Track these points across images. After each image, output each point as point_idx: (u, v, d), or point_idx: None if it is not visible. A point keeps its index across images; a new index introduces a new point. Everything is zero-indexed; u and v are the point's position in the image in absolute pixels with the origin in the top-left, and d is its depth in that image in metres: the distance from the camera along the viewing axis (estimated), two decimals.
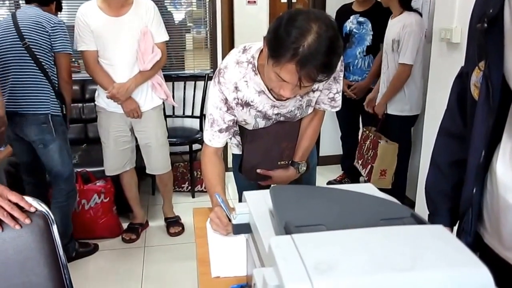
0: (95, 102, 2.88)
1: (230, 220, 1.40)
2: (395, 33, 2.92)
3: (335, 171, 4.00)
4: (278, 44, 1.26)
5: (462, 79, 1.16)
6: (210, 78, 3.81)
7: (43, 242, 1.25)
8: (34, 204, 1.27)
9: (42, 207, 1.27)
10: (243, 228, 0.98)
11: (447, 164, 1.21)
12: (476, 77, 1.04)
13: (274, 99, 1.56)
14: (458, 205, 1.16)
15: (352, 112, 3.58)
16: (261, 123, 1.65)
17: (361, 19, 3.33)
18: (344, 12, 3.39)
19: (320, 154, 4.22)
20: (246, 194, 1.01)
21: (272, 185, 1.82)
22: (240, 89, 1.56)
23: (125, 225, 3.18)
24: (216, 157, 1.65)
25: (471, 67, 1.07)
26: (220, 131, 1.62)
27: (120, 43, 2.62)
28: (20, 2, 3.58)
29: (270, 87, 1.44)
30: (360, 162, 3.32)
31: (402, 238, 0.77)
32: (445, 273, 0.67)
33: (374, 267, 0.68)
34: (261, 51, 1.51)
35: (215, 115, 1.60)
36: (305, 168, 1.78)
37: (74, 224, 2.82)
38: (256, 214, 0.92)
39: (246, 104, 1.59)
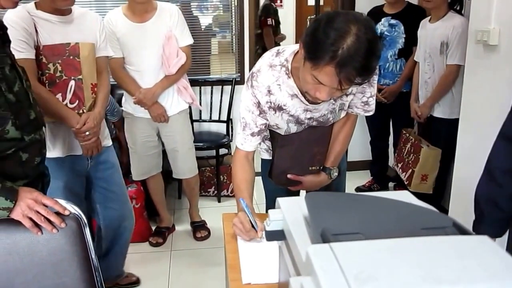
0: (122, 108, 2.92)
1: (253, 226, 1.40)
2: (443, 35, 2.85)
3: (363, 176, 3.94)
4: (316, 46, 1.25)
5: None
6: (237, 83, 3.86)
7: (76, 245, 1.27)
8: (67, 207, 1.29)
9: (75, 210, 1.29)
10: (277, 235, 0.97)
11: (503, 172, 1.16)
12: None
13: (307, 103, 1.55)
14: (508, 217, 1.10)
15: (382, 116, 3.50)
16: (293, 128, 1.64)
17: (393, 21, 3.28)
18: (375, 14, 3.34)
19: (348, 159, 4.17)
20: (280, 200, 1.00)
21: (307, 192, 1.80)
22: (273, 93, 1.55)
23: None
24: (247, 161, 1.64)
25: None
26: (252, 134, 1.61)
27: (145, 48, 2.64)
28: None
29: (305, 90, 1.42)
30: (399, 165, 3.24)
31: (445, 249, 0.74)
32: (493, 286, 0.64)
33: (418, 278, 0.66)
34: (295, 54, 1.50)
35: (247, 119, 1.59)
36: (337, 174, 1.76)
37: None
38: (290, 221, 0.91)
39: (279, 108, 1.57)
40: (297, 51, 1.47)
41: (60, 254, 1.26)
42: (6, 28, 1.44)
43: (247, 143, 1.62)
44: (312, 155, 1.70)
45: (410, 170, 3.08)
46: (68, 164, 2.03)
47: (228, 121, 3.82)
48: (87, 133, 1.92)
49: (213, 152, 3.62)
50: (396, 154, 3.35)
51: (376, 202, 0.95)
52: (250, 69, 3.82)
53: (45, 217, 1.26)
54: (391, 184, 3.78)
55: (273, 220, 0.96)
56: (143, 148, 2.89)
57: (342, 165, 1.85)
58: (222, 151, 3.70)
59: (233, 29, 3.93)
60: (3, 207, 1.26)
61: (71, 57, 1.88)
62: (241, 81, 3.88)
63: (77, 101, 1.92)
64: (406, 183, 3.12)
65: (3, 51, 1.35)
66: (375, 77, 1.61)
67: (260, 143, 1.71)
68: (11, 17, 1.81)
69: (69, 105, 1.91)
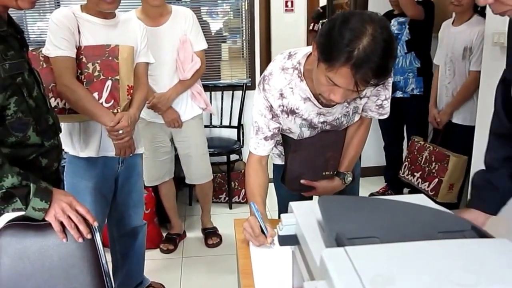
0: None
1: (263, 231, 1.38)
2: (467, 40, 2.79)
3: (377, 183, 3.90)
4: (331, 47, 1.22)
5: (505, 85, 1.15)
6: (248, 88, 3.86)
7: (87, 250, 1.26)
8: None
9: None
10: (290, 240, 0.94)
11: (499, 160, 1.24)
12: None
13: (321, 106, 1.53)
14: (502, 196, 1.22)
15: (396, 121, 3.46)
16: (306, 133, 1.62)
17: (402, 19, 3.26)
18: (387, 17, 3.32)
19: (362, 165, 4.12)
20: (293, 204, 0.98)
21: (319, 196, 1.77)
22: (285, 96, 1.52)
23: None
24: (260, 166, 1.62)
25: None
26: (265, 138, 1.59)
27: (160, 53, 2.64)
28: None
29: (319, 92, 1.39)
30: (417, 175, 3.13)
31: (463, 252, 0.72)
32: None
33: (435, 282, 0.64)
34: (308, 56, 1.48)
35: (260, 123, 1.58)
36: (351, 179, 1.73)
37: None
38: (304, 226, 0.89)
39: (291, 112, 1.55)
40: (310, 53, 1.45)
41: (71, 260, 1.26)
42: (22, 32, 1.45)
43: (260, 148, 1.61)
44: (325, 160, 1.67)
45: (437, 180, 2.96)
46: (100, 165, 2.05)
47: (239, 127, 3.81)
48: (121, 131, 1.93)
49: (224, 158, 3.61)
50: (407, 163, 3.24)
51: (391, 205, 0.92)
52: (261, 74, 3.84)
53: (74, 224, 1.26)
54: (405, 190, 3.73)
55: (285, 225, 0.94)
56: (156, 154, 2.89)
57: (356, 170, 1.83)
58: (233, 157, 3.68)
59: (244, 34, 3.94)
60: (39, 208, 1.26)
61: (110, 58, 1.92)
62: (252, 86, 3.88)
63: (112, 101, 1.95)
64: (431, 193, 2.99)
65: (21, 55, 1.36)
66: (390, 80, 1.59)
67: (272, 148, 1.69)
68: (56, 16, 1.90)
69: (104, 104, 1.93)
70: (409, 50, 3.27)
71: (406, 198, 0.97)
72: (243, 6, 3.88)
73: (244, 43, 3.97)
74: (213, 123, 3.84)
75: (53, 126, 1.48)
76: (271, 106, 1.55)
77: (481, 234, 0.82)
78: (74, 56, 1.90)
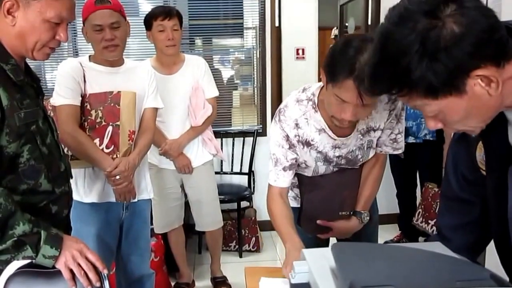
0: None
1: None
2: None
3: (391, 230, 3.81)
4: (335, 64, 1.33)
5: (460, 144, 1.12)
6: (259, 134, 3.87)
7: None
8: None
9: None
10: None
11: (451, 228, 1.16)
12: (479, 154, 1.02)
13: (336, 137, 1.56)
14: None
15: (408, 168, 3.42)
16: (322, 168, 1.63)
17: None
18: None
19: None
20: (305, 251, 0.96)
21: (337, 240, 1.73)
22: (301, 127, 1.56)
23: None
24: (281, 199, 1.61)
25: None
26: (284, 169, 1.59)
27: (172, 99, 2.68)
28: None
29: (331, 114, 1.44)
30: (432, 222, 3.04)
31: None
32: None
33: None
34: (321, 88, 1.53)
35: (277, 154, 1.59)
36: (368, 218, 1.70)
37: None
38: (317, 273, 0.86)
39: (307, 143, 1.58)
40: (323, 86, 1.49)
41: None
42: (39, 80, 1.48)
43: (280, 179, 1.60)
44: (342, 200, 1.66)
45: None
46: (103, 210, 2.05)
47: (250, 173, 3.80)
48: (118, 176, 1.95)
49: (234, 205, 3.57)
50: (422, 211, 3.17)
51: (407, 252, 0.90)
52: (272, 121, 3.87)
53: (84, 272, 1.25)
54: (421, 239, 3.63)
55: (298, 273, 0.92)
56: (166, 200, 2.88)
57: (374, 214, 1.80)
58: (244, 204, 3.64)
59: (255, 81, 4.00)
60: (49, 255, 1.24)
61: (112, 104, 1.97)
62: (263, 133, 3.89)
63: (113, 146, 1.98)
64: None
65: (37, 103, 1.38)
66: (403, 113, 1.61)
67: (291, 180, 1.67)
68: (63, 67, 2.02)
69: (105, 149, 1.97)
70: None
71: (423, 245, 0.94)
72: (255, 54, 3.96)
73: (256, 90, 4.02)
74: (223, 169, 3.84)
75: (65, 173, 1.48)
76: (287, 136, 1.57)
77: (500, 282, 0.79)
78: (78, 104, 1.97)
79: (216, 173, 3.65)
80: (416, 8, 0.82)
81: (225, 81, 4.04)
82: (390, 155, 1.96)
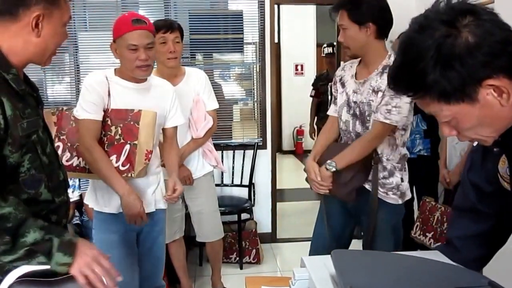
0: None
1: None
2: None
3: None
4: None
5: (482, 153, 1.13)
6: (259, 147, 3.90)
7: None
8: None
9: None
10: None
11: (461, 238, 1.17)
12: (502, 167, 1.03)
13: (355, 80, 2.09)
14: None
15: None
16: (345, 115, 2.12)
17: None
18: None
19: None
20: (305, 259, 0.97)
21: (333, 250, 1.76)
22: (345, 69, 2.20)
23: None
24: (332, 126, 2.24)
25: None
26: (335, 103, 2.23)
27: None
28: (81, 75, 3.84)
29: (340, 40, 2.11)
30: (429, 235, 3.08)
31: None
32: None
33: None
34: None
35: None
36: (332, 168, 2.00)
37: None
38: (317, 280, 0.87)
39: (342, 84, 2.16)
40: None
41: None
42: (38, 90, 1.49)
43: (332, 110, 2.23)
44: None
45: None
46: (122, 219, 2.05)
47: (250, 186, 3.81)
48: (176, 193, 2.11)
49: (235, 217, 3.58)
50: (420, 224, 3.21)
51: (406, 260, 0.91)
52: (272, 134, 3.89)
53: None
54: (419, 252, 3.63)
55: (298, 279, 0.93)
56: (168, 211, 2.87)
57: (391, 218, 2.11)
58: (244, 216, 3.65)
59: (255, 96, 4.03)
60: (62, 262, 1.23)
61: (132, 123, 1.98)
62: (263, 146, 3.92)
63: (128, 165, 1.99)
64: None
65: (37, 113, 1.39)
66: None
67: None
68: (88, 81, 2.02)
69: (120, 167, 1.99)
70: (415, 112, 3.30)
71: (422, 254, 0.95)
72: (255, 69, 4.00)
73: (256, 105, 4.05)
74: (224, 181, 3.85)
75: (63, 182, 1.48)
76: (336, 77, 2.22)
77: None
78: (100, 119, 1.99)
79: (217, 185, 3.67)
80: (435, 17, 0.86)
81: (225, 96, 4.07)
82: None
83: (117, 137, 1.99)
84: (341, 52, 4.66)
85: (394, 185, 2.08)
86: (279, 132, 4.29)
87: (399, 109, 1.92)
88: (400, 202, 2.10)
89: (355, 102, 2.05)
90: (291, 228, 4.31)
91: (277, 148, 5.03)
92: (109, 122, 2.00)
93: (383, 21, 2.01)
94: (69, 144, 2.06)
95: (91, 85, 2.00)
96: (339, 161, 1.99)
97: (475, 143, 1.13)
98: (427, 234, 3.10)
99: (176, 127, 2.24)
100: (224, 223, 3.19)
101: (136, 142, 1.99)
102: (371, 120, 2.00)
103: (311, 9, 6.98)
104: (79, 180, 3.14)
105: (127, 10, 3.85)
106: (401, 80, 0.91)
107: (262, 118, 3.97)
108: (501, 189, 1.04)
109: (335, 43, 4.84)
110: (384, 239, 2.09)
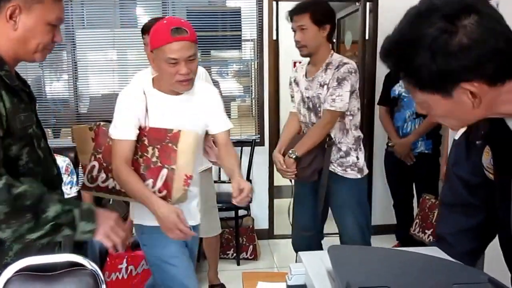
0: None
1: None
2: None
3: (389, 241, 3.81)
4: None
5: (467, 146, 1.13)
6: (256, 144, 3.88)
7: None
8: (84, 262, 1.27)
9: (91, 266, 1.27)
10: None
11: (451, 235, 1.17)
12: (486, 159, 1.04)
13: (306, 78, 2.47)
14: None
15: (404, 179, 3.47)
16: (303, 111, 2.49)
17: None
18: (393, 75, 3.39)
19: (372, 223, 4.06)
20: (302, 254, 0.96)
21: (330, 245, 1.78)
22: (297, 71, 2.57)
23: None
24: (294, 118, 2.63)
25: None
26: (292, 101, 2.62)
27: None
28: (79, 73, 3.83)
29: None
30: (428, 232, 3.09)
31: None
32: None
33: None
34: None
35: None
36: (292, 155, 2.35)
37: None
38: (313, 275, 0.87)
39: (296, 84, 2.52)
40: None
41: None
42: (29, 87, 1.49)
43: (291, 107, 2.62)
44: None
45: None
46: None
47: (248, 182, 3.79)
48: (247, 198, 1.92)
49: (232, 213, 3.57)
50: (420, 221, 3.21)
51: (404, 256, 0.90)
52: (270, 131, 3.90)
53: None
54: None
55: (295, 274, 0.92)
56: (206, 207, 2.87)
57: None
58: (241, 212, 3.64)
59: (253, 93, 4.02)
60: (87, 230, 1.30)
61: (170, 145, 1.77)
62: (260, 142, 3.91)
63: (165, 191, 1.78)
64: None
65: (30, 108, 1.39)
66: (346, 82, 2.31)
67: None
68: (124, 96, 1.81)
69: (157, 193, 1.78)
70: (418, 116, 3.31)
71: (420, 250, 0.95)
72: (253, 66, 3.99)
73: (253, 102, 4.04)
74: (221, 178, 3.84)
75: (57, 177, 1.49)
76: (291, 78, 2.60)
77: (499, 286, 0.79)
78: (134, 138, 1.78)
79: (215, 181, 3.65)
80: (440, 6, 0.85)
81: (223, 93, 4.06)
82: (386, 166, 3.55)
83: (154, 159, 1.78)
84: (340, 48, 4.67)
85: (351, 163, 2.45)
86: (277, 129, 4.31)
87: (341, 97, 2.30)
88: (359, 176, 2.46)
89: (308, 98, 2.42)
90: (288, 225, 4.28)
91: (275, 145, 5.02)
92: (146, 142, 1.79)
93: (334, 23, 2.40)
94: (104, 164, 1.89)
95: (127, 102, 1.80)
96: (299, 148, 2.36)
97: (457, 137, 1.16)
98: (426, 231, 3.11)
99: (228, 131, 2.01)
100: (221, 219, 3.19)
101: (174, 167, 1.76)
102: (321, 110, 2.39)
103: None
104: (77, 176, 3.13)
105: (125, 7, 3.84)
106: (391, 55, 0.92)
107: (260, 115, 3.96)
108: (487, 180, 1.04)
109: (334, 40, 4.83)
110: (352, 213, 2.48)
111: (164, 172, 1.77)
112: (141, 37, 2.75)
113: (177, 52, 1.68)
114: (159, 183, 1.77)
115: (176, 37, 1.67)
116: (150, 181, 1.78)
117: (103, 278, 1.28)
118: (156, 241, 1.86)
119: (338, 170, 2.43)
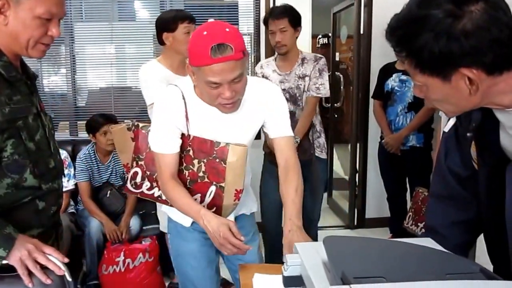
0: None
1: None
2: None
3: (383, 234, 3.85)
4: None
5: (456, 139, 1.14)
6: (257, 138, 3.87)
7: None
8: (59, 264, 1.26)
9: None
10: (295, 281, 0.93)
11: (446, 226, 1.19)
12: (474, 152, 1.06)
13: (280, 72, 2.80)
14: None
15: (397, 172, 3.51)
16: None
17: (404, 77, 3.32)
18: (387, 70, 3.41)
19: (366, 216, 4.09)
20: (298, 245, 0.97)
21: (325, 236, 1.77)
22: (263, 67, 2.92)
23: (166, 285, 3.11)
24: None
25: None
26: None
27: None
28: (77, 66, 3.83)
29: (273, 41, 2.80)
30: (421, 225, 3.12)
31: None
32: None
33: None
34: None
35: None
36: (296, 142, 2.45)
37: (118, 284, 2.79)
38: (309, 266, 0.88)
39: (266, 79, 2.67)
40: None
41: None
42: (35, 78, 1.49)
43: None
44: None
45: None
46: (198, 230, 1.72)
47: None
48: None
49: None
50: (412, 213, 3.24)
51: (398, 247, 0.92)
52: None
53: (41, 266, 1.23)
54: None
55: (290, 265, 0.93)
56: None
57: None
58: None
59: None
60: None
61: (217, 160, 1.61)
62: (257, 136, 3.89)
63: (214, 208, 1.66)
64: None
65: (29, 100, 1.39)
66: (324, 73, 2.75)
67: None
68: (161, 102, 1.61)
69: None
70: (409, 110, 3.33)
71: (414, 241, 0.96)
72: (250, 60, 3.97)
73: None
74: None
75: (54, 170, 1.46)
76: (257, 74, 2.89)
77: (490, 277, 0.81)
78: (177, 151, 1.61)
79: None
80: None
81: None
82: (380, 159, 3.65)
83: (201, 174, 1.65)
84: (336, 43, 4.67)
85: (322, 143, 2.90)
86: None
87: (323, 85, 2.75)
88: (325, 157, 2.98)
89: (283, 90, 2.70)
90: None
91: None
92: (191, 153, 1.63)
93: (301, 27, 2.84)
94: (148, 173, 1.80)
95: (166, 110, 1.60)
96: (300, 133, 2.69)
97: (447, 129, 1.16)
98: (419, 224, 3.14)
99: (291, 138, 1.72)
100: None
101: (223, 184, 1.64)
102: (304, 98, 2.77)
103: (306, 1, 7.00)
104: (75, 169, 3.13)
105: (123, 0, 3.82)
106: (396, 32, 0.92)
107: None
108: (476, 172, 1.06)
109: (330, 34, 4.83)
110: (320, 194, 2.95)
111: (213, 188, 1.65)
112: (139, 30, 2.73)
113: (218, 75, 1.40)
114: (208, 199, 1.67)
115: (217, 58, 1.37)
116: (197, 196, 1.67)
117: (70, 281, 1.25)
118: (180, 234, 1.79)
119: (316, 151, 2.84)
